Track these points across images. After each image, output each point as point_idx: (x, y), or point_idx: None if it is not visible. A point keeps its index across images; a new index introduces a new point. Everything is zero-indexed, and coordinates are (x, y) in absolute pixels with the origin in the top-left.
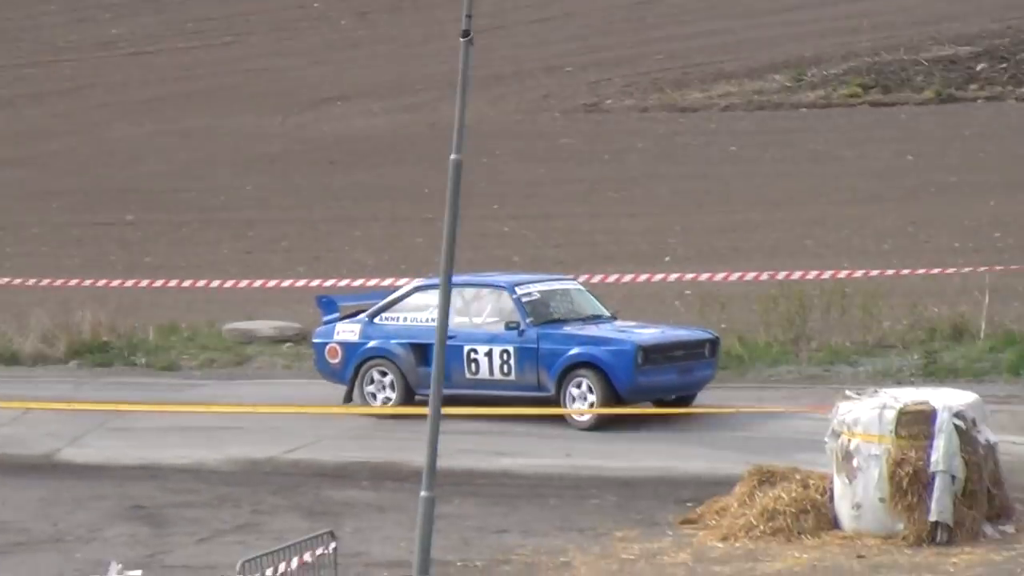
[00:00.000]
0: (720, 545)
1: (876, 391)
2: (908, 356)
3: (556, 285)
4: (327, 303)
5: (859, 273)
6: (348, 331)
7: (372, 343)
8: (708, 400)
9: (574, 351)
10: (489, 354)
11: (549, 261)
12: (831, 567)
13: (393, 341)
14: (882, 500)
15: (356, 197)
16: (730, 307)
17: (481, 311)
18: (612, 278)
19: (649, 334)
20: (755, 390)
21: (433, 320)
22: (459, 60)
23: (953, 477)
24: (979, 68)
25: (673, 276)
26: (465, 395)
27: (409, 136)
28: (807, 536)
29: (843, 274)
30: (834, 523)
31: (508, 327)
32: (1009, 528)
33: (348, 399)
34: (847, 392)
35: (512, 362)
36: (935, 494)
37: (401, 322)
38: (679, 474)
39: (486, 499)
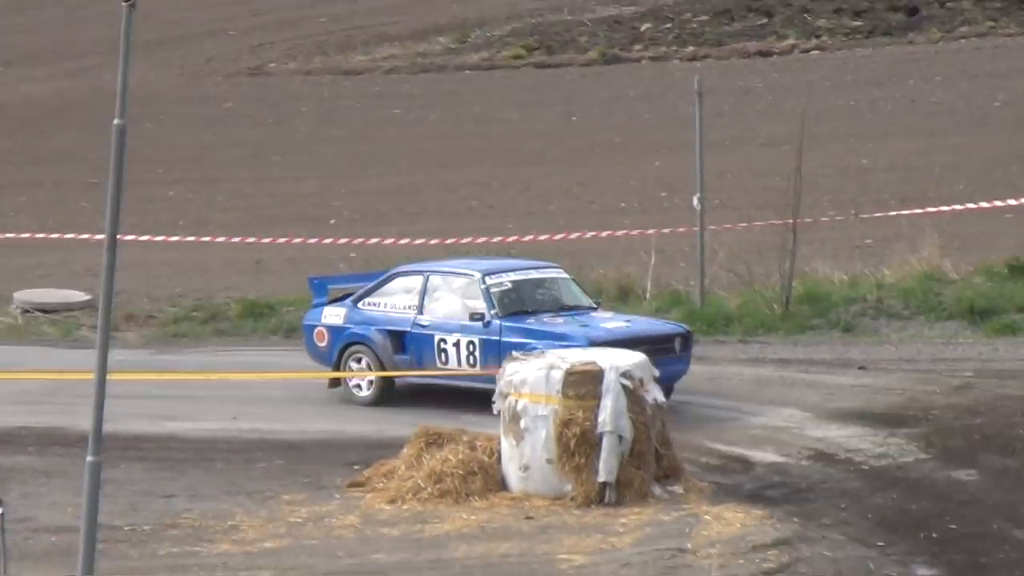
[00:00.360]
0: (388, 508)
1: (543, 352)
2: None
3: (534, 274)
4: (318, 285)
5: (527, 237)
6: (334, 315)
7: (353, 328)
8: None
9: (529, 345)
10: (457, 344)
11: (214, 225)
12: (500, 528)
13: (371, 327)
14: (550, 461)
15: (19, 162)
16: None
17: (453, 299)
18: (281, 240)
19: (609, 328)
20: None
21: (408, 308)
22: (121, 25)
23: (621, 437)
24: (643, 28)
25: (339, 239)
26: (439, 385)
27: (73, 102)
28: (475, 498)
29: (511, 238)
30: (502, 485)
31: (473, 318)
32: (678, 488)
33: (335, 383)
34: (514, 353)
35: (477, 354)
36: (603, 455)
37: (380, 308)
38: (346, 437)
39: (153, 463)
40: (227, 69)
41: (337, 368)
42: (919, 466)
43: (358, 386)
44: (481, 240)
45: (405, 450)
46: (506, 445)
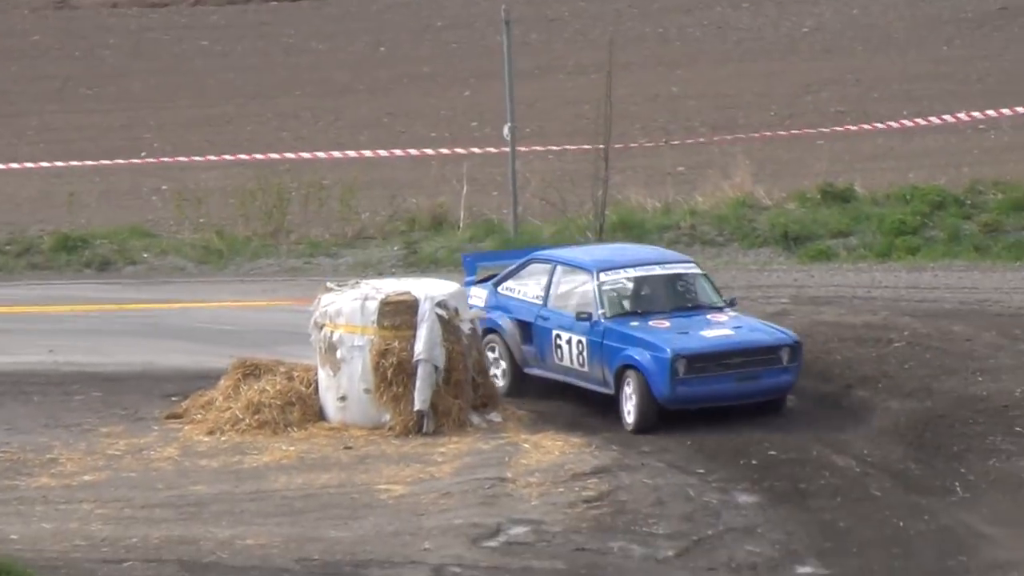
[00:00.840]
0: (207, 439)
1: (358, 282)
2: (388, 247)
3: (658, 270)
4: (469, 262)
5: (338, 168)
6: (478, 297)
7: (490, 314)
8: (184, 295)
9: (625, 352)
10: (570, 342)
11: (24, 159)
12: (319, 459)
13: (504, 315)
14: (367, 391)
15: None
16: (208, 201)
17: (572, 294)
18: (92, 173)
19: (705, 337)
20: (236, 284)
21: (537, 297)
22: None
23: (436, 367)
24: None
25: (149, 171)
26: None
27: None
28: (294, 428)
29: (321, 167)
30: (320, 415)
31: (579, 317)
32: (496, 417)
33: None
34: (329, 284)
35: (585, 354)
36: (417, 384)
37: (515, 295)
38: (163, 369)
39: None
40: (33, 3)
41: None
42: None
43: (495, 376)
44: (291, 169)
45: (222, 381)
46: (323, 376)
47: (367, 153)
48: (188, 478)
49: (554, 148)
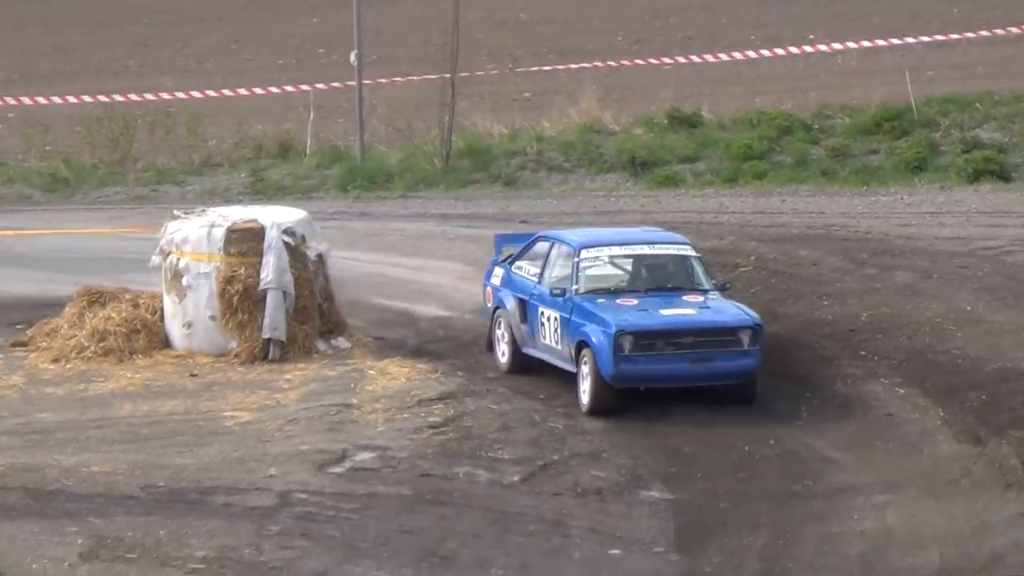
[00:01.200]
0: (52, 367)
1: (204, 210)
2: (235, 175)
3: (646, 249)
4: (499, 241)
5: (184, 95)
6: (497, 276)
7: (500, 292)
8: (31, 224)
9: (582, 328)
10: (549, 319)
11: None
12: (165, 386)
13: (509, 293)
14: (213, 318)
15: None
16: (55, 130)
17: (559, 270)
18: None
19: (657, 316)
20: (82, 211)
21: (535, 275)
22: None
23: (284, 294)
24: None
25: None
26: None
27: None
28: (139, 356)
29: (167, 95)
30: (166, 342)
31: (553, 294)
32: (342, 344)
33: (489, 347)
34: (175, 211)
35: (558, 331)
36: (268, 311)
37: (521, 273)
38: (9, 297)
39: None
40: None
41: (491, 331)
42: None
43: (503, 353)
44: (137, 98)
45: (68, 309)
46: (169, 303)
47: (215, 80)
48: (33, 406)
49: (401, 75)
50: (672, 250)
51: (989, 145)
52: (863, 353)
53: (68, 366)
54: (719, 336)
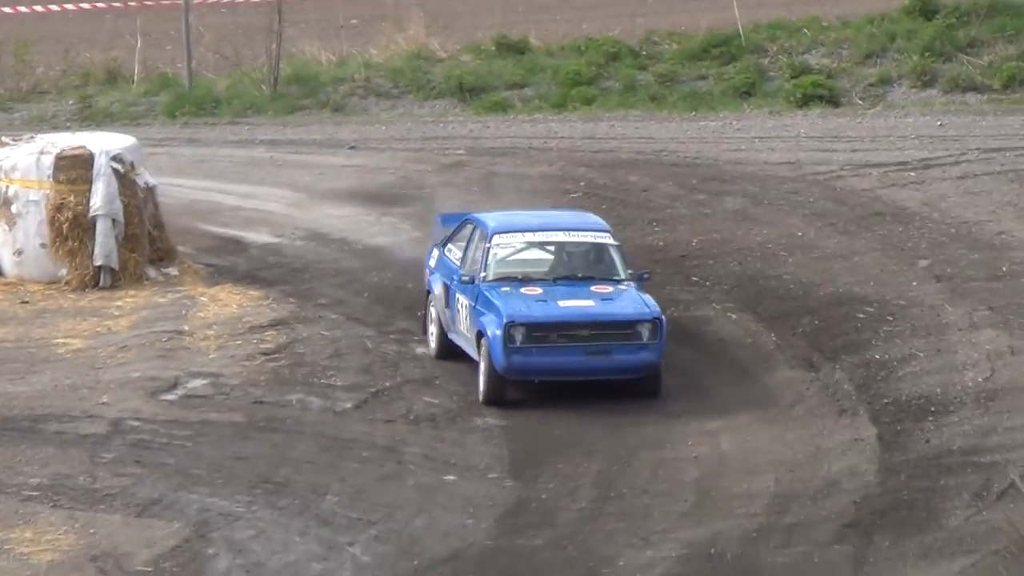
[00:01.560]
0: None
1: (33, 137)
2: (63, 101)
3: (559, 236)
4: (441, 221)
5: (9, 8)
6: (433, 258)
7: (431, 274)
8: None
9: (481, 317)
10: (462, 305)
11: None
12: None
13: (436, 276)
14: (43, 246)
15: None
16: None
17: (475, 255)
18: None
19: (552, 308)
20: None
21: (458, 259)
22: None
23: (114, 221)
24: None
25: None
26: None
27: None
28: None
29: None
30: None
31: (463, 280)
32: (173, 271)
33: (423, 331)
34: (3, 138)
35: (468, 319)
36: (97, 238)
37: (449, 256)
38: None
39: None
40: None
41: (426, 315)
42: (414, 245)
43: (432, 336)
44: None
45: None
46: None
47: (38, 8)
48: None
49: (227, 1)
50: (589, 238)
51: (817, 70)
52: (694, 279)
53: None
54: (617, 329)
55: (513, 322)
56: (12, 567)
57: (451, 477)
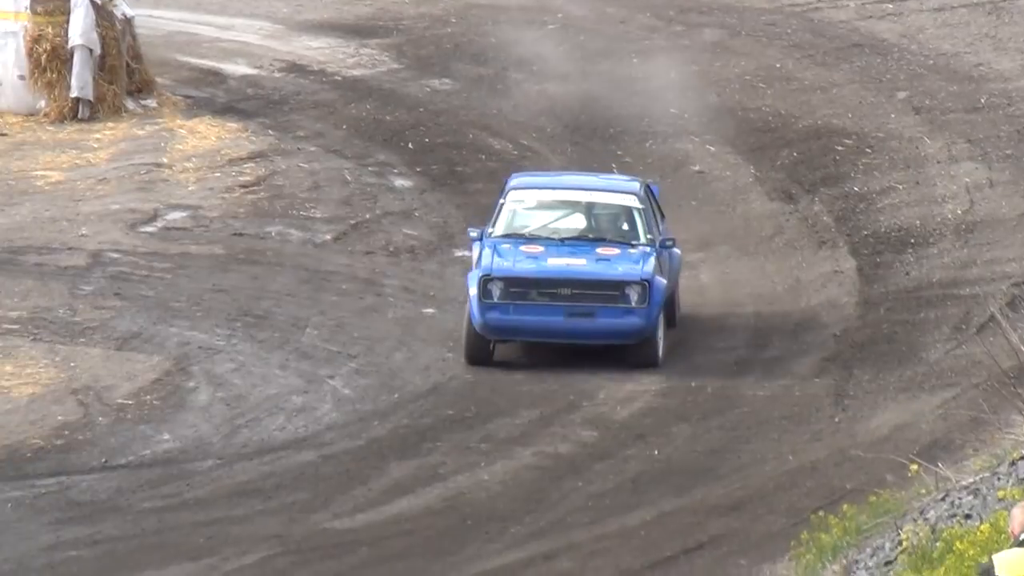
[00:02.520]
0: None
1: None
2: None
3: (576, 196)
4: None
5: None
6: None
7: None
8: None
9: (469, 273)
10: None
11: None
12: None
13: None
14: (22, 78)
15: None
16: None
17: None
18: None
19: (534, 264)
20: None
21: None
22: None
23: (91, 51)
24: None
25: None
26: None
27: None
28: None
29: None
30: None
31: (472, 236)
32: (151, 102)
33: None
34: None
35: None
36: (75, 70)
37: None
38: None
39: None
40: None
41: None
42: (393, 76)
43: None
44: None
45: None
46: None
47: None
48: None
49: None
50: (611, 199)
51: None
52: (672, 111)
53: None
54: (601, 290)
55: (489, 275)
56: None
57: (430, 310)
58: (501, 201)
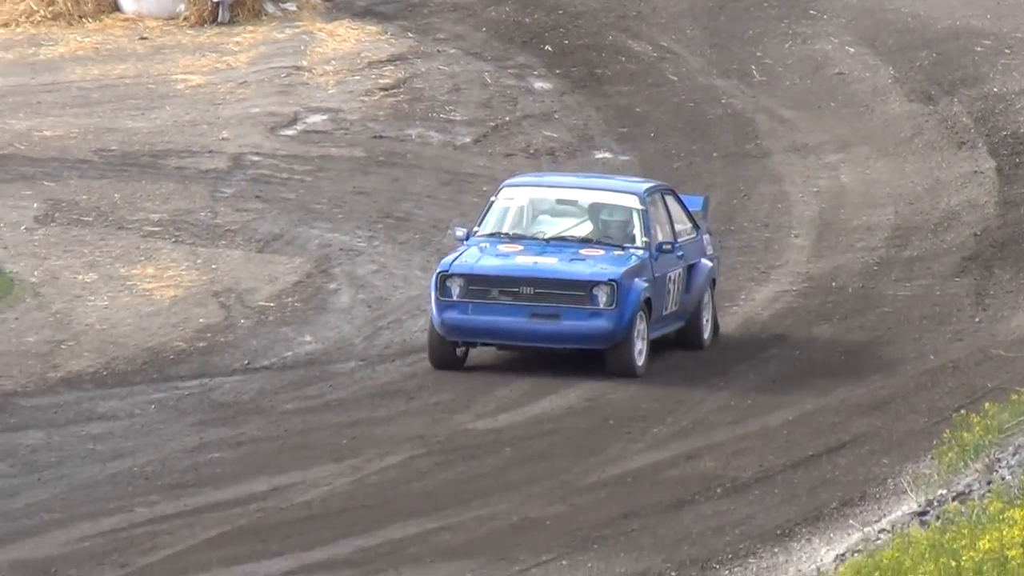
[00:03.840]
0: (1, 32)
1: None
2: None
3: (575, 195)
4: None
5: None
6: None
7: None
8: None
9: (445, 266)
10: None
11: None
12: (115, 50)
13: None
14: None
15: None
16: None
17: None
18: None
19: (497, 261)
20: None
21: None
22: None
23: None
24: None
25: None
26: None
27: None
28: (89, 19)
29: None
30: (115, 5)
31: (457, 236)
32: (291, 6)
33: None
34: None
35: None
36: None
37: None
38: None
39: None
40: None
41: None
42: None
43: None
44: None
45: None
46: None
47: None
48: None
49: None
50: (610, 199)
51: None
52: (812, 12)
53: (18, 30)
54: (566, 290)
55: (447, 272)
56: (135, 303)
57: None
58: (492, 199)
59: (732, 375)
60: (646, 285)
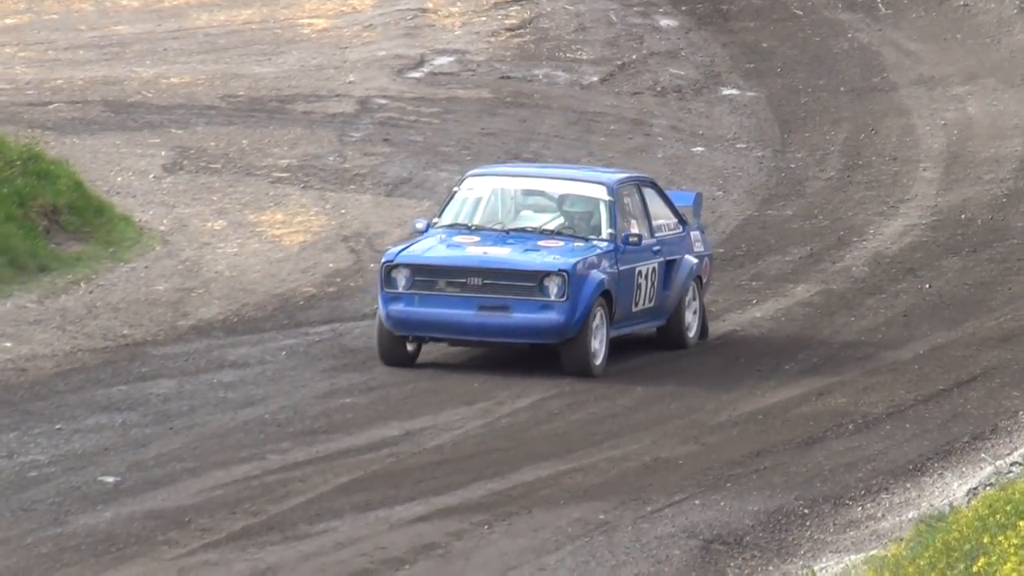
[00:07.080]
0: None
1: None
2: None
3: (532, 184)
4: None
5: None
6: None
7: None
8: None
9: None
10: None
11: None
12: None
13: None
14: None
15: None
16: None
17: None
18: None
19: (444, 251)
20: None
21: None
22: None
23: None
24: None
25: None
26: None
27: None
28: None
29: None
30: None
31: (417, 228)
32: None
33: None
34: None
35: None
36: None
37: None
38: None
39: None
40: None
41: None
42: None
43: None
44: None
45: None
46: None
47: None
48: (109, 18)
49: None
50: (577, 189)
51: None
52: None
53: None
54: (516, 281)
55: (392, 262)
56: (264, 249)
57: (699, 148)
58: (455, 189)
59: (862, 310)
60: (604, 278)
